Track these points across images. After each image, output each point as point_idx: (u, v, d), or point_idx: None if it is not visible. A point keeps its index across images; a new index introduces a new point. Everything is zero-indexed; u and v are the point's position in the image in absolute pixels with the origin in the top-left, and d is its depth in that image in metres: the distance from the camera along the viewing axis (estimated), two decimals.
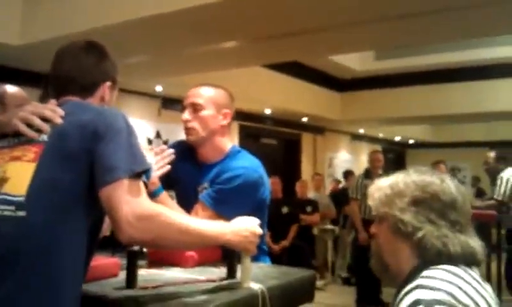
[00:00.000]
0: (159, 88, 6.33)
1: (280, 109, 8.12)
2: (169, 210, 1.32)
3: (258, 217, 1.69)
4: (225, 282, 1.52)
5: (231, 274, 1.56)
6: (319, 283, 6.89)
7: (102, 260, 1.59)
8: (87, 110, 1.30)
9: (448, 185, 1.26)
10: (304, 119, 9.22)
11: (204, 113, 1.90)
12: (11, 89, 2.77)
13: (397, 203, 1.26)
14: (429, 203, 1.24)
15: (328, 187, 9.75)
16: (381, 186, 1.34)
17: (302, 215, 6.86)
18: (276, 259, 6.28)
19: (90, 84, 1.43)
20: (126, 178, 1.21)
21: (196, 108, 1.90)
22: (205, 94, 1.92)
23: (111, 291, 1.40)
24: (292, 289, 1.60)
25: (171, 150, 1.87)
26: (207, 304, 1.29)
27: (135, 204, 1.21)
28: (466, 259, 1.20)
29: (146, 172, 1.30)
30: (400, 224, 1.24)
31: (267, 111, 8.30)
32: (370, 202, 1.36)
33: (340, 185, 9.45)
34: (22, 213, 1.18)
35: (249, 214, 1.58)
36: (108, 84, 1.46)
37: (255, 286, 1.46)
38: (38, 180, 1.21)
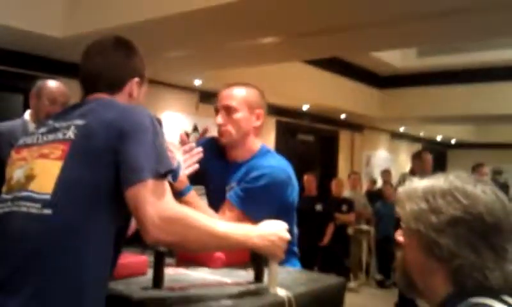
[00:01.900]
0: (197, 82, 6.35)
1: (317, 105, 8.03)
2: (195, 212, 1.31)
3: (286, 219, 1.66)
4: (252, 286, 1.49)
5: (258, 278, 1.53)
6: (352, 284, 6.80)
7: (130, 258, 1.59)
8: (113, 108, 1.29)
9: (494, 203, 1.09)
10: (343, 116, 9.10)
11: (238, 116, 1.88)
12: (50, 83, 2.83)
13: (433, 221, 1.09)
14: (470, 225, 1.07)
15: (365, 186, 9.61)
16: (413, 194, 1.17)
17: (337, 214, 6.77)
18: (309, 259, 6.26)
19: (118, 80, 1.42)
20: (151, 178, 1.20)
21: (229, 110, 1.88)
22: (237, 95, 1.90)
23: (137, 290, 1.39)
24: (321, 296, 1.56)
25: (200, 148, 1.86)
26: None
27: (160, 206, 1.20)
28: (511, 291, 1.06)
29: (172, 172, 1.28)
30: (435, 247, 1.09)
31: (305, 107, 8.23)
32: (399, 209, 1.20)
33: (377, 185, 9.31)
34: (47, 211, 1.18)
35: (276, 215, 1.56)
36: (136, 80, 1.45)
37: (282, 293, 1.42)
38: (64, 178, 1.21)
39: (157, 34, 4.33)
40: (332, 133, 9.70)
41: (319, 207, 6.58)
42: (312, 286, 1.56)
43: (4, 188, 1.31)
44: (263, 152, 1.92)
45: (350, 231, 7.18)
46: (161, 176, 1.23)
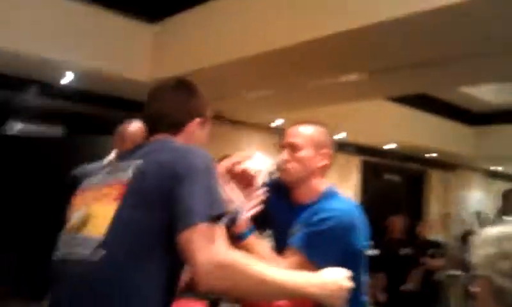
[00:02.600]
0: (279, 121, 6.38)
1: (405, 143, 7.77)
2: (248, 258, 1.25)
3: (353, 266, 1.57)
4: None
5: None
6: None
7: (187, 304, 1.57)
8: (168, 150, 1.30)
9: None
10: (433, 155, 8.71)
11: (302, 154, 1.81)
12: (133, 125, 2.92)
13: (500, 266, 1.07)
14: None
15: (459, 228, 9.05)
16: (485, 240, 1.14)
17: (425, 259, 6.40)
18: (396, 305, 5.93)
19: (178, 121, 1.43)
20: (203, 223, 1.17)
21: (294, 148, 1.82)
22: (303, 133, 1.84)
23: None
24: None
25: (264, 190, 1.80)
26: None
27: (212, 252, 1.16)
28: None
29: (225, 215, 1.25)
30: (502, 293, 1.05)
31: (391, 146, 7.98)
32: (471, 257, 1.17)
33: (472, 228, 8.75)
34: (100, 253, 1.18)
35: (342, 261, 1.48)
36: (197, 120, 1.45)
37: None
38: (118, 220, 1.21)
39: (238, 75, 4.43)
40: (421, 173, 9.30)
41: (405, 251, 6.24)
42: None
43: (63, 231, 1.33)
44: (329, 194, 1.83)
45: (440, 276, 6.75)
46: (214, 220, 1.20)
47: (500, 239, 1.10)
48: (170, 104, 1.44)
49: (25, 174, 4.82)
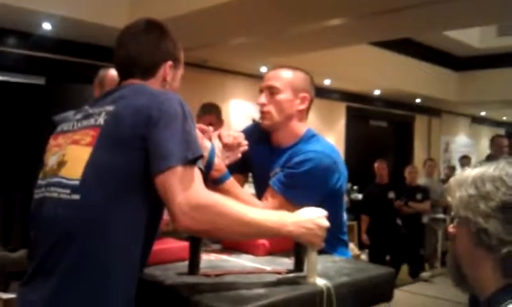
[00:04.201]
0: (264, 69, 6.32)
1: (390, 89, 7.76)
2: (226, 199, 1.26)
3: (332, 206, 1.59)
4: (290, 275, 1.44)
5: (298, 267, 1.47)
6: (425, 275, 6.60)
7: (171, 244, 1.59)
8: (142, 94, 1.27)
9: None
10: (418, 101, 8.74)
11: (280, 97, 1.81)
12: (112, 72, 2.88)
13: (482, 207, 1.06)
14: None
15: (443, 173, 9.20)
16: (463, 181, 1.13)
17: (411, 203, 6.52)
18: (381, 247, 6.09)
19: (150, 65, 1.39)
20: (179, 165, 1.17)
21: (272, 91, 1.82)
22: (282, 77, 1.83)
23: (172, 276, 1.38)
24: (365, 287, 1.47)
25: (245, 142, 1.80)
26: (262, 298, 1.22)
27: (189, 194, 1.17)
28: None
29: (201, 157, 1.25)
30: (483, 234, 1.05)
31: (377, 92, 7.97)
32: (449, 199, 1.17)
33: (456, 172, 8.88)
34: (76, 197, 1.19)
35: (321, 202, 1.49)
36: (169, 63, 1.41)
37: (320, 283, 1.36)
38: (93, 164, 1.20)
39: (223, 21, 4.33)
40: (407, 119, 9.35)
41: (391, 195, 6.35)
42: (355, 276, 1.48)
43: (40, 175, 1.33)
44: (308, 136, 1.84)
45: (425, 219, 6.90)
46: (190, 162, 1.20)
47: (479, 180, 1.09)
48: (141, 48, 1.38)
49: (4, 122, 4.79)
